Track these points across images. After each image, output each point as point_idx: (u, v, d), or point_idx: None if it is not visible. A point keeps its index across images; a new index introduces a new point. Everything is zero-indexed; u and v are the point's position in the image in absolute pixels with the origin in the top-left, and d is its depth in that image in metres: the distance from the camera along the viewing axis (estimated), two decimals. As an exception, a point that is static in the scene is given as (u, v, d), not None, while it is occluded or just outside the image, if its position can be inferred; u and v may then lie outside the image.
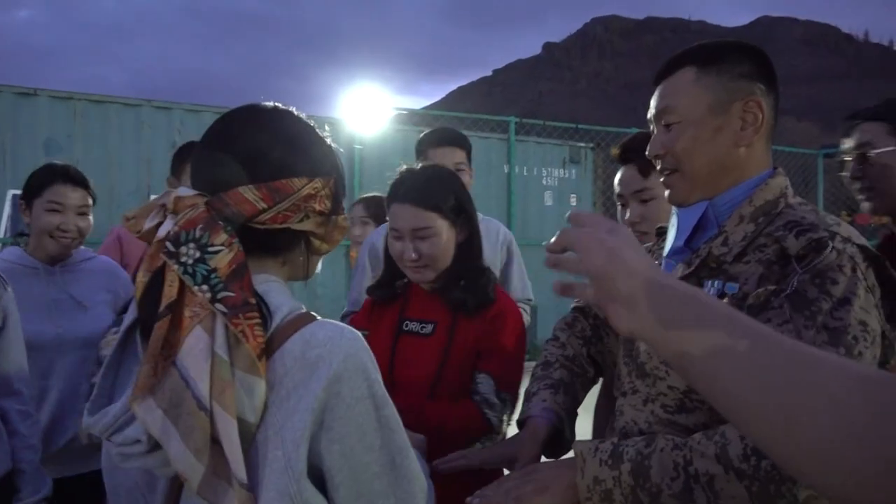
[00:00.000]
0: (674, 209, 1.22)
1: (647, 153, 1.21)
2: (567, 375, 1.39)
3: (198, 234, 0.88)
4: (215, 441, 0.83)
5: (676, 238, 1.20)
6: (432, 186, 1.60)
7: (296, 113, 1.04)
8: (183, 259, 0.87)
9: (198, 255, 0.87)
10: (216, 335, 0.85)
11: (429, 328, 1.61)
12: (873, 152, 1.65)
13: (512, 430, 1.42)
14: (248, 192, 0.92)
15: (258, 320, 0.86)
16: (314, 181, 0.97)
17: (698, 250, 1.13)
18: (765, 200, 1.11)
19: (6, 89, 5.96)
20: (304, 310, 0.95)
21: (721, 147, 1.13)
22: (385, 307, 1.71)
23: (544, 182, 8.56)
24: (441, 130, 2.54)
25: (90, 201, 2.09)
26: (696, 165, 1.14)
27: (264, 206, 0.92)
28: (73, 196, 2.03)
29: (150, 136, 6.34)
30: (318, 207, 0.98)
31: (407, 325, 1.63)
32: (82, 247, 2.13)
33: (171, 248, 0.87)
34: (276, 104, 1.03)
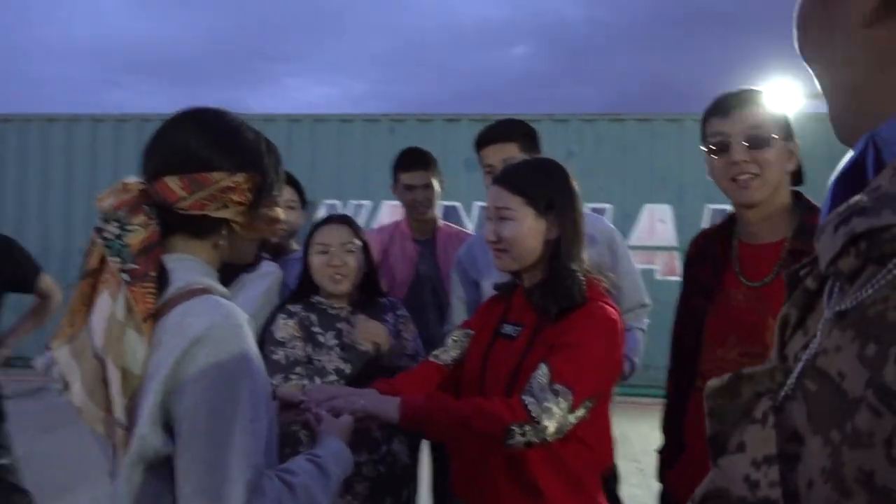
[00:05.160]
0: None
1: None
2: None
3: (121, 214, 1.06)
4: (108, 386, 1.01)
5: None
6: (526, 173, 1.59)
7: (232, 115, 1.18)
8: (105, 234, 1.05)
9: (118, 231, 1.05)
10: (119, 299, 1.02)
11: (518, 331, 1.57)
12: None
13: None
14: (172, 182, 1.09)
15: (152, 290, 1.03)
16: (236, 175, 1.11)
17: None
18: None
19: (436, 118, 7.04)
20: (201, 286, 1.07)
21: (837, 29, 0.57)
22: (494, 308, 1.70)
23: None
24: (486, 128, 2.30)
25: (296, 197, 2.51)
26: (816, 70, 0.63)
27: (184, 194, 1.08)
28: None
29: (549, 147, 6.74)
30: (237, 199, 1.11)
31: (504, 329, 1.61)
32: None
33: (99, 225, 1.06)
34: (219, 108, 1.18)
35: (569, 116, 6.93)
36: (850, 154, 0.58)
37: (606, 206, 6.75)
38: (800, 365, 0.43)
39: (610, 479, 2.31)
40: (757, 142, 1.54)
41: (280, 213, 1.23)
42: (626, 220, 6.74)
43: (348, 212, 6.98)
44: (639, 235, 6.77)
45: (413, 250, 2.81)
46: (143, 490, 1.02)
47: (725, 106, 1.58)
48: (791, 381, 0.44)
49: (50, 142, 7.47)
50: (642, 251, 6.71)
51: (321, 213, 6.88)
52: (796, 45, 0.65)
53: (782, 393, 0.44)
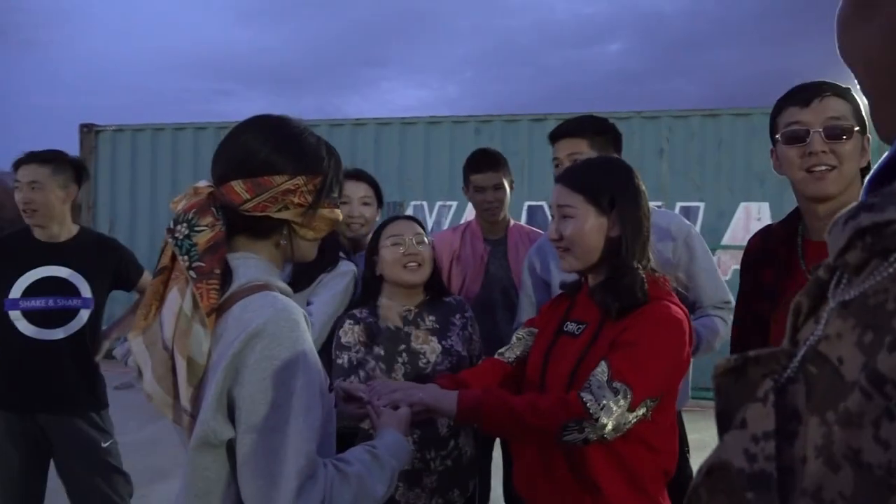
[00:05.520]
0: None
1: None
2: None
3: (190, 216, 1.13)
4: (175, 375, 1.09)
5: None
6: (589, 172, 1.58)
7: (294, 121, 1.23)
8: (176, 234, 1.13)
9: (187, 232, 1.12)
10: (186, 295, 1.10)
11: (581, 329, 1.56)
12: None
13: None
14: (238, 186, 1.15)
15: (216, 286, 1.09)
16: (296, 178, 1.16)
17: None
18: None
19: (523, 118, 7.02)
20: (261, 282, 1.13)
21: (873, 33, 0.57)
22: (558, 307, 1.70)
23: None
24: (561, 124, 2.27)
25: (371, 193, 2.53)
26: (853, 68, 0.62)
27: (248, 196, 1.15)
28: (355, 189, 2.48)
29: (640, 145, 6.57)
30: (297, 200, 1.17)
31: (567, 326, 1.61)
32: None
33: (171, 226, 1.14)
34: (283, 115, 1.24)
35: (660, 113, 6.72)
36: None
37: (699, 204, 6.52)
38: (803, 349, 0.46)
39: (685, 483, 2.24)
40: (837, 132, 1.48)
41: (339, 213, 1.28)
42: (721, 219, 6.49)
43: (435, 212, 7.06)
44: (734, 234, 6.50)
45: (484, 250, 2.80)
46: (205, 472, 1.09)
47: (804, 95, 1.53)
48: (794, 364, 0.46)
49: (158, 150, 7.98)
50: (738, 250, 6.43)
51: (408, 213, 7.00)
52: (837, 46, 0.65)
53: (786, 375, 0.47)
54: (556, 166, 2.19)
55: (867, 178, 0.59)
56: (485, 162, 2.79)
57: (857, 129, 1.48)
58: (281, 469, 1.03)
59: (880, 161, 0.59)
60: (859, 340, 0.41)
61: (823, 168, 1.49)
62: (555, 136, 2.25)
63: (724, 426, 0.51)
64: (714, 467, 0.50)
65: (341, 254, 2.37)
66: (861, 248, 0.44)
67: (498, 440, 2.71)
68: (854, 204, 0.48)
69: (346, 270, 2.33)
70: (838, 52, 0.65)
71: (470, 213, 6.99)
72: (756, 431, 0.46)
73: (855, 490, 0.38)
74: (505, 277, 2.76)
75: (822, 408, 0.42)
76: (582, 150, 2.14)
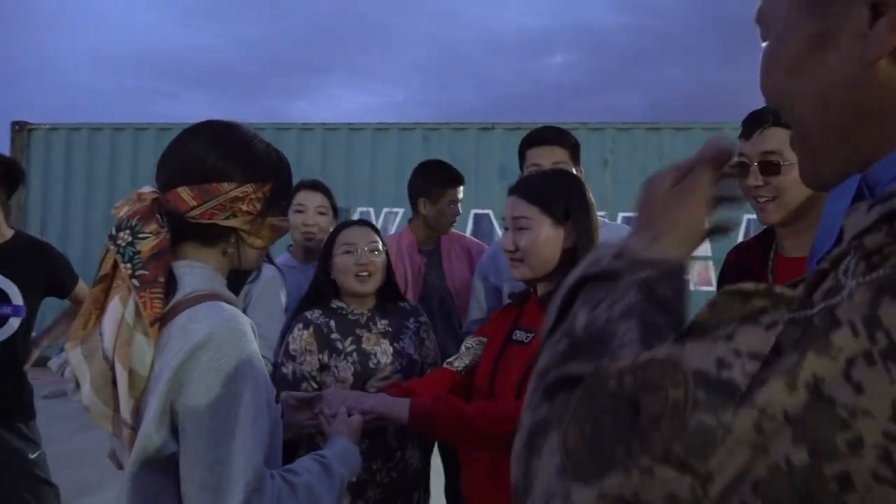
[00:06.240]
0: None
1: None
2: None
3: (134, 222, 1.09)
4: (116, 386, 1.05)
5: (816, 244, 0.70)
6: (544, 184, 1.60)
7: (244, 128, 1.20)
8: (119, 242, 1.08)
9: (130, 239, 1.08)
10: (129, 304, 1.06)
11: (529, 337, 1.56)
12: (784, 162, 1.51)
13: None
14: (184, 192, 1.12)
15: (160, 295, 1.05)
16: (245, 186, 1.13)
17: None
18: None
19: (470, 126, 7.05)
20: (207, 292, 1.10)
21: (833, 71, 0.54)
22: (506, 316, 1.70)
23: None
24: (539, 129, 2.27)
25: (327, 203, 2.56)
26: (796, 110, 0.59)
27: (194, 203, 1.11)
28: (312, 198, 2.53)
29: (585, 155, 6.65)
30: (245, 208, 1.14)
31: (516, 335, 1.61)
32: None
33: (113, 233, 1.10)
34: (230, 121, 1.21)
35: (604, 125, 6.87)
36: (831, 196, 0.63)
37: (641, 215, 6.67)
38: (820, 306, 0.45)
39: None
40: (769, 167, 1.51)
41: (287, 223, 1.25)
42: (661, 230, 6.64)
43: (381, 219, 7.03)
44: (674, 245, 6.66)
45: (420, 261, 2.82)
46: (148, 486, 1.04)
47: (748, 127, 1.57)
48: (805, 313, 0.45)
49: (95, 150, 7.71)
50: (678, 261, 6.60)
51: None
52: (766, 81, 0.62)
53: (789, 317, 0.46)
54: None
55: (832, 211, 0.60)
56: (457, 175, 2.85)
57: (793, 162, 1.49)
58: (227, 482, 0.99)
59: (841, 199, 0.59)
60: (872, 303, 0.41)
61: (763, 199, 1.54)
62: (535, 142, 2.21)
63: (689, 332, 0.50)
64: (654, 363, 0.49)
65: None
66: (886, 233, 0.44)
67: (437, 448, 2.70)
68: (883, 192, 0.48)
69: (272, 276, 2.30)
70: (767, 91, 0.61)
71: (417, 220, 6.99)
72: (741, 348, 0.46)
73: (800, 411, 0.40)
74: (441, 287, 2.78)
75: (804, 346, 0.43)
76: (564, 159, 2.13)
